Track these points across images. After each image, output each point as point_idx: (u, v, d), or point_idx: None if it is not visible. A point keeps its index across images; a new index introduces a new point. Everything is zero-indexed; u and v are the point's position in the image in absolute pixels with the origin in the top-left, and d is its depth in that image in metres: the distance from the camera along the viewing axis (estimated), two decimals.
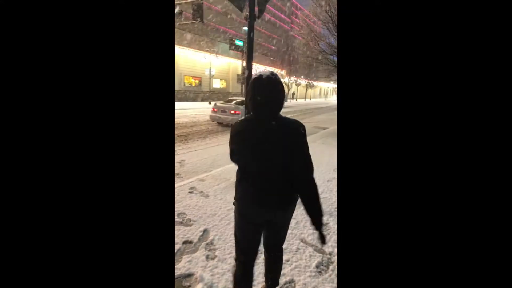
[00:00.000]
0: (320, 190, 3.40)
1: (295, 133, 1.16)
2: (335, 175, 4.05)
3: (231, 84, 31.15)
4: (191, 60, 23.60)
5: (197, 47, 23.89)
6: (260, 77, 1.13)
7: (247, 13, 3.09)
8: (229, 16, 30.31)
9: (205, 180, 3.57)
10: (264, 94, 1.12)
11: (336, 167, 4.52)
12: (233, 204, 1.33)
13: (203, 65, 25.03)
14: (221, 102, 9.31)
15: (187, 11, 16.80)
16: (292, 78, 35.07)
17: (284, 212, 1.29)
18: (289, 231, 2.31)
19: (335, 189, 3.46)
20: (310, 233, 2.33)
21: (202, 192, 3.18)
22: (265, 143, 1.15)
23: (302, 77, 36.02)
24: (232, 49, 23.66)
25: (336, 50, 8.30)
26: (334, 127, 10.23)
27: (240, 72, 28.62)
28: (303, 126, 1.20)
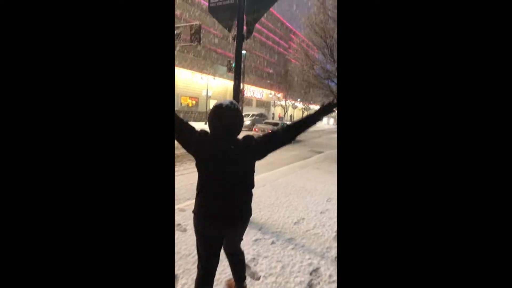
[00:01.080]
0: (311, 224, 3.09)
1: (247, 145, 1.31)
2: (329, 206, 3.73)
3: None
4: (189, 81, 23.83)
5: (195, 68, 24.23)
6: (220, 105, 1.29)
7: (235, 33, 2.93)
8: (228, 40, 31.14)
9: (185, 211, 3.23)
10: (224, 119, 1.26)
11: (330, 197, 4.21)
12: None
13: (200, 86, 25.24)
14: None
15: (185, 34, 17.15)
16: (289, 101, 35.51)
17: (236, 229, 1.41)
18: (273, 279, 1.98)
19: (328, 223, 3.14)
20: (298, 282, 1.99)
21: (179, 225, 2.84)
22: (222, 162, 1.26)
23: (298, 100, 36.50)
24: (230, 72, 24.03)
25: (331, 75, 8.28)
26: (329, 151, 10.02)
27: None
28: (251, 136, 1.35)
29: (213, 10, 3.12)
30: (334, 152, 9.69)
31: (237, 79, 3.03)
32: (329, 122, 20.04)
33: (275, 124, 17.43)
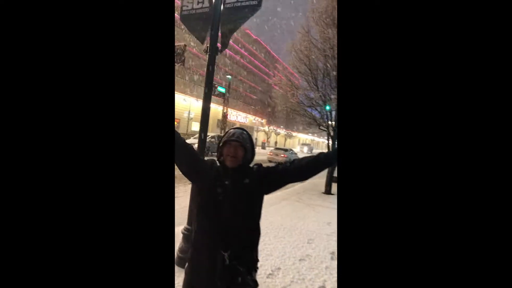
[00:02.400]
0: (288, 277, 2.51)
1: (262, 177, 1.18)
2: (310, 251, 3.19)
3: (210, 128, 30.94)
4: None
5: (177, 89, 23.90)
6: (233, 134, 1.17)
7: (208, 46, 2.52)
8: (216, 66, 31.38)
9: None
10: (233, 148, 1.14)
11: (311, 237, 3.67)
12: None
13: (182, 107, 24.78)
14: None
15: None
16: (272, 127, 35.67)
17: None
18: None
19: (309, 275, 2.58)
20: None
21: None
22: (233, 197, 1.11)
23: (281, 126, 36.77)
24: (214, 95, 23.90)
25: (314, 103, 8.11)
26: (312, 180, 9.61)
27: (220, 117, 28.66)
28: (259, 165, 1.22)
29: (185, 19, 2.73)
30: (315, 181, 9.28)
31: (207, 98, 2.57)
32: (303, 150, 19.93)
33: (285, 150, 18.85)
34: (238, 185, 1.11)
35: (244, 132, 1.20)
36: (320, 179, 8.99)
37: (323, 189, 7.71)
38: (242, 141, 1.15)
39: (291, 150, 20.70)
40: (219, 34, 2.57)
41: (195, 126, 27.70)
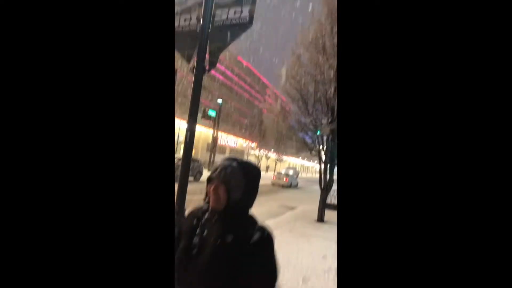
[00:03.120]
0: None
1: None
2: None
3: (200, 152, 30.63)
4: None
5: None
6: (214, 168, 0.95)
7: (194, 64, 2.33)
8: (205, 89, 31.71)
9: None
10: (214, 187, 0.90)
11: (306, 275, 3.31)
12: None
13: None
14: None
15: None
16: (262, 151, 35.54)
17: None
18: None
19: None
20: None
21: None
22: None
23: (272, 150, 36.65)
24: (204, 118, 23.83)
25: (305, 128, 8.01)
26: (304, 207, 9.25)
27: (210, 141, 28.43)
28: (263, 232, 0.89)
29: None
30: (308, 208, 8.95)
31: (193, 119, 2.34)
32: (288, 173, 19.78)
33: (287, 175, 19.86)
34: (219, 241, 0.84)
35: (233, 165, 0.92)
36: (312, 205, 8.69)
37: (315, 215, 7.38)
38: (223, 178, 0.89)
39: (295, 169, 21.30)
40: (207, 52, 2.40)
41: None
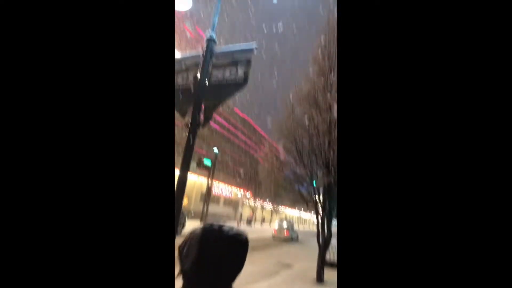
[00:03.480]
0: None
1: None
2: None
3: (194, 202, 29.69)
4: None
5: None
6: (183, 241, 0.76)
7: (189, 119, 2.35)
8: (201, 138, 32.21)
9: None
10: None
11: None
12: None
13: None
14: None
15: None
16: (258, 201, 34.64)
17: None
18: None
19: None
20: None
21: None
22: None
23: (267, 200, 35.78)
24: (200, 167, 23.62)
25: (300, 179, 7.91)
26: (301, 264, 8.59)
27: (204, 190, 27.79)
28: None
29: None
30: (306, 265, 8.32)
31: (184, 170, 2.29)
32: (287, 226, 18.91)
33: (287, 228, 19.31)
34: None
35: (197, 232, 0.71)
36: (310, 262, 8.07)
37: (315, 274, 6.80)
38: (182, 245, 0.71)
39: (289, 221, 20.56)
40: (202, 108, 2.43)
41: None
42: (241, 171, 37.75)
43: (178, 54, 2.84)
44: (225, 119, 38.92)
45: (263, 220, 36.01)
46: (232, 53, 2.47)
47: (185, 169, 2.35)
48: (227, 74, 2.43)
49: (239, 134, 43.06)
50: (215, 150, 28.66)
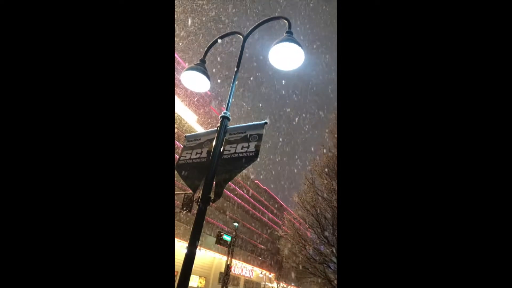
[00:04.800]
0: None
1: None
2: None
3: (211, 283, 27.18)
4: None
5: (180, 235, 22.80)
6: None
7: (200, 196, 2.30)
8: (221, 211, 31.53)
9: None
10: None
11: None
12: None
13: (182, 256, 22.87)
14: None
15: (177, 200, 17.56)
16: (282, 285, 31.01)
17: None
18: None
19: None
20: None
21: None
22: None
23: (292, 284, 31.91)
24: (219, 244, 22.40)
25: (326, 259, 7.10)
26: None
27: (223, 269, 25.65)
28: None
29: (180, 167, 2.66)
30: None
31: (192, 248, 2.10)
32: None
33: None
34: None
35: None
36: None
37: None
38: None
39: None
40: (214, 183, 2.39)
41: (194, 281, 24.38)
42: (263, 248, 35.19)
43: (200, 131, 2.99)
44: (246, 191, 38.64)
45: None
46: (244, 128, 2.55)
47: (193, 245, 2.17)
48: (239, 148, 2.47)
49: (260, 207, 41.92)
50: (235, 224, 27.58)
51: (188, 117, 27.81)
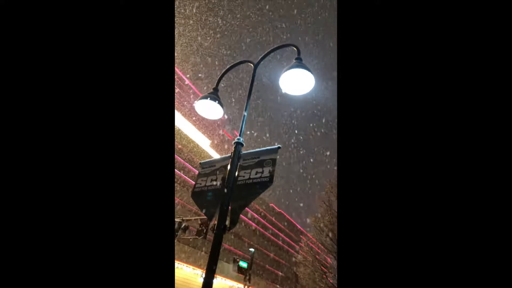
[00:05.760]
0: None
1: None
2: None
3: None
4: (184, 277, 21.13)
5: (195, 263, 22.28)
6: None
7: (215, 223, 2.28)
8: (238, 237, 30.83)
9: None
10: None
11: None
12: None
13: (198, 284, 22.15)
14: None
15: (192, 226, 17.38)
16: None
17: None
18: None
19: None
20: None
21: None
22: None
23: None
24: (235, 271, 21.70)
25: None
26: None
27: None
28: None
29: (196, 195, 2.67)
30: None
31: (210, 276, 2.04)
32: None
33: None
34: None
35: None
36: None
37: None
38: None
39: None
40: (229, 210, 2.37)
41: None
42: (281, 275, 33.70)
43: (215, 156, 3.03)
44: (263, 217, 37.88)
45: None
46: (258, 154, 2.56)
47: (210, 273, 2.11)
48: (253, 174, 2.46)
49: (275, 230, 40.78)
50: (252, 250, 26.79)
51: (201, 142, 28.26)
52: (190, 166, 24.68)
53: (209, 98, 3.02)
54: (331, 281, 7.03)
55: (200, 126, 28.78)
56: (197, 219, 16.21)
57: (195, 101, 2.91)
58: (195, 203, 2.60)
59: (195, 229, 15.92)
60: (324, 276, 7.07)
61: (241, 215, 2.43)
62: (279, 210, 43.94)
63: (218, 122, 32.11)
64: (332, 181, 7.63)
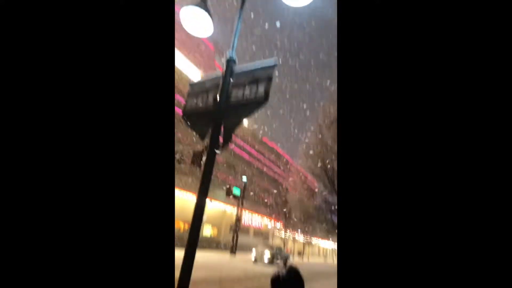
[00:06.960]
0: None
1: None
2: None
3: (223, 232, 29.21)
4: (184, 203, 22.87)
5: (189, 189, 23.80)
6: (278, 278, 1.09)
7: (208, 142, 2.22)
8: (230, 167, 32.43)
9: None
10: None
11: None
12: None
13: (189, 207, 24.22)
14: None
15: (187, 157, 17.97)
16: (289, 232, 33.16)
17: None
18: None
19: None
20: None
21: None
22: None
23: (299, 230, 34.07)
24: (229, 196, 23.49)
25: (334, 208, 7.36)
26: None
27: (233, 221, 27.35)
28: None
29: (187, 115, 2.56)
30: None
31: (202, 196, 2.09)
32: (263, 258, 15.21)
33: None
34: None
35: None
36: None
37: None
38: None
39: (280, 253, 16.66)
40: (222, 129, 2.30)
41: (207, 230, 26.15)
42: (271, 200, 36.93)
43: (200, 78, 2.82)
44: (253, 147, 39.19)
45: (299, 254, 33.99)
46: (252, 71, 2.37)
47: (203, 194, 2.15)
48: (247, 92, 2.31)
49: (267, 162, 42.90)
50: (244, 178, 28.52)
51: (191, 73, 27.02)
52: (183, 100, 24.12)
53: (197, 6, 2.63)
54: (317, 203, 7.70)
55: (192, 58, 27.08)
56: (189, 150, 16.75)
57: (181, 8, 2.52)
58: (186, 123, 2.51)
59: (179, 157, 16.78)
60: (311, 197, 7.69)
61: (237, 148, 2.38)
62: (271, 144, 45.43)
63: (208, 50, 30.15)
64: (324, 109, 7.63)
